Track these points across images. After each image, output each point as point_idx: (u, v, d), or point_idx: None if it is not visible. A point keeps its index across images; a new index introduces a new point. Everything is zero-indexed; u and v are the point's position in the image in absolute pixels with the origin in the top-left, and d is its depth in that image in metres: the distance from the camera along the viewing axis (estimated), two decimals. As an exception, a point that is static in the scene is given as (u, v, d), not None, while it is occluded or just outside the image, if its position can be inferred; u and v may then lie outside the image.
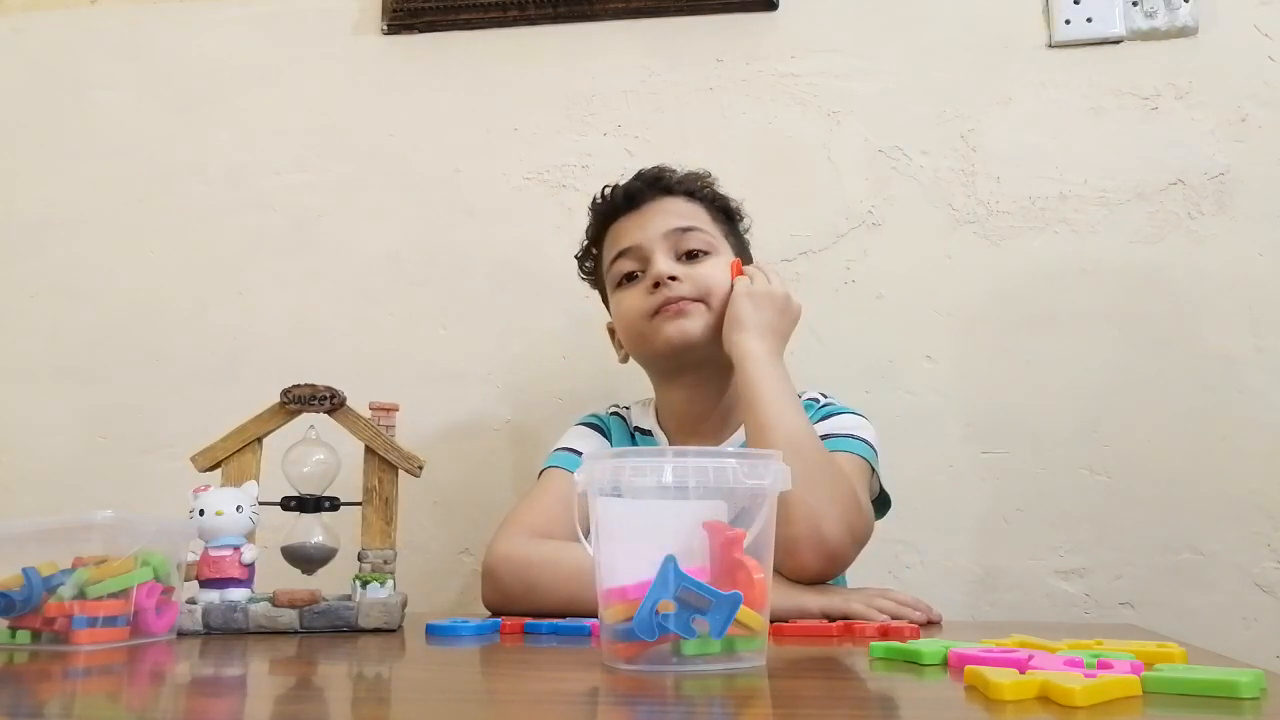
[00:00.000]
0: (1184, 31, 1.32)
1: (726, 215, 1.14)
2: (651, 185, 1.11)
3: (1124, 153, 1.32)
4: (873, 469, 1.04)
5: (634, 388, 1.21)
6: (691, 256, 1.07)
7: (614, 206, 1.12)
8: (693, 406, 1.11)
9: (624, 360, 1.16)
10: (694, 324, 1.04)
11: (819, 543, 0.89)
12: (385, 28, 1.48)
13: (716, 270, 1.06)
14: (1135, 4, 1.33)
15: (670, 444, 1.12)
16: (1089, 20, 1.34)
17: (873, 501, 1.03)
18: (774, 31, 1.41)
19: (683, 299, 1.04)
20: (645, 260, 1.07)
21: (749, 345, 1.00)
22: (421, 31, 1.47)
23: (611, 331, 1.17)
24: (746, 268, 1.07)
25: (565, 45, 1.44)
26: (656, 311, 1.05)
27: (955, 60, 1.37)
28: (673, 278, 1.04)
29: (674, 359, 1.07)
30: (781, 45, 1.41)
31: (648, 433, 1.14)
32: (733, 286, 1.04)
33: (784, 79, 1.40)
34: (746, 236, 1.17)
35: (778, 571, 0.92)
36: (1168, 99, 1.32)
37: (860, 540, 0.94)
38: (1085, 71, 1.34)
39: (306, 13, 1.51)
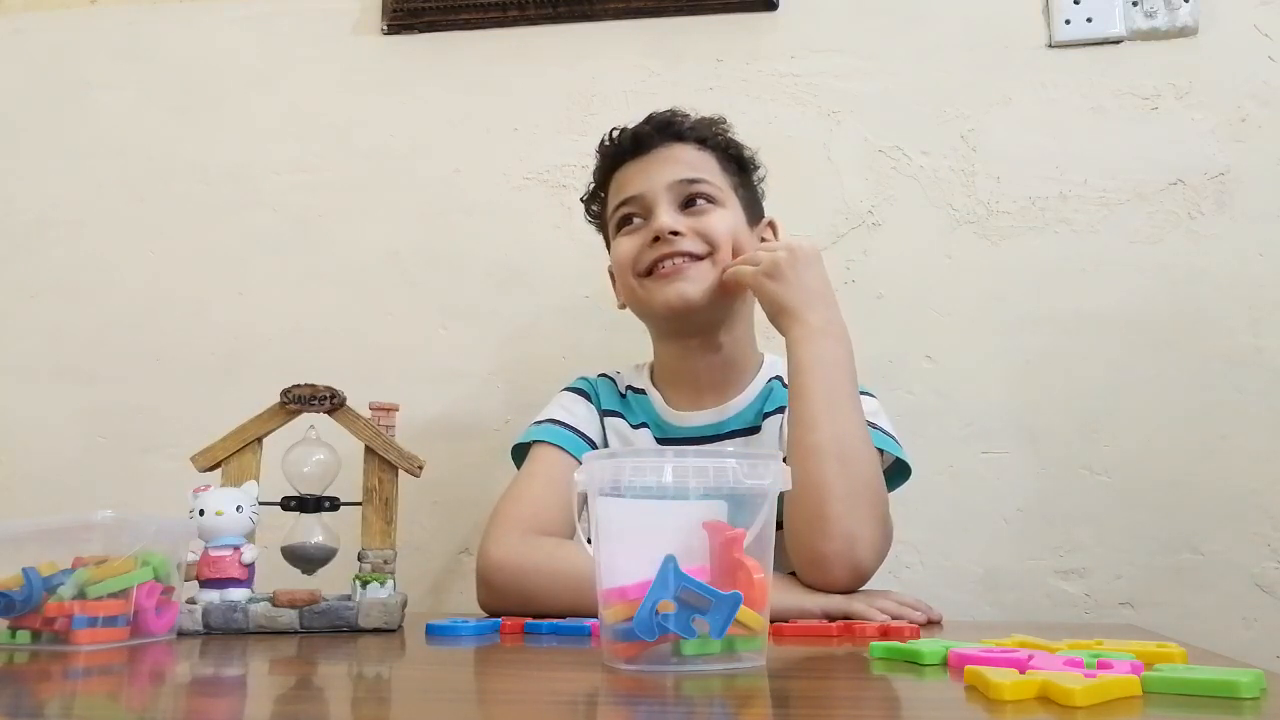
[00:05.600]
0: (1184, 31, 1.32)
1: (739, 165, 1.10)
2: (661, 131, 1.07)
3: (1124, 153, 1.32)
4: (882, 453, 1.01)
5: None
6: (697, 207, 1.04)
7: (621, 150, 1.09)
8: (691, 365, 1.08)
9: (622, 307, 1.12)
10: (693, 286, 1.01)
11: (852, 564, 0.88)
12: (385, 28, 1.47)
13: (723, 222, 1.03)
14: (1135, 4, 1.33)
15: (666, 403, 1.10)
16: (1089, 20, 1.34)
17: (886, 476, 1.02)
18: (774, 31, 1.41)
19: (683, 254, 1.01)
20: (648, 210, 1.04)
21: (797, 330, 0.95)
22: (421, 31, 1.47)
23: (613, 275, 1.13)
24: (751, 257, 1.01)
25: (565, 45, 1.44)
26: (652, 269, 1.03)
27: (955, 60, 1.37)
28: (675, 232, 1.01)
29: (674, 321, 1.05)
30: (781, 45, 1.41)
31: (641, 391, 1.12)
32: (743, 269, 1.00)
33: (784, 79, 1.40)
34: (761, 187, 1.14)
35: (796, 576, 0.92)
36: (1168, 99, 1.32)
37: (884, 556, 0.92)
38: (1085, 71, 1.34)
39: (306, 13, 1.51)
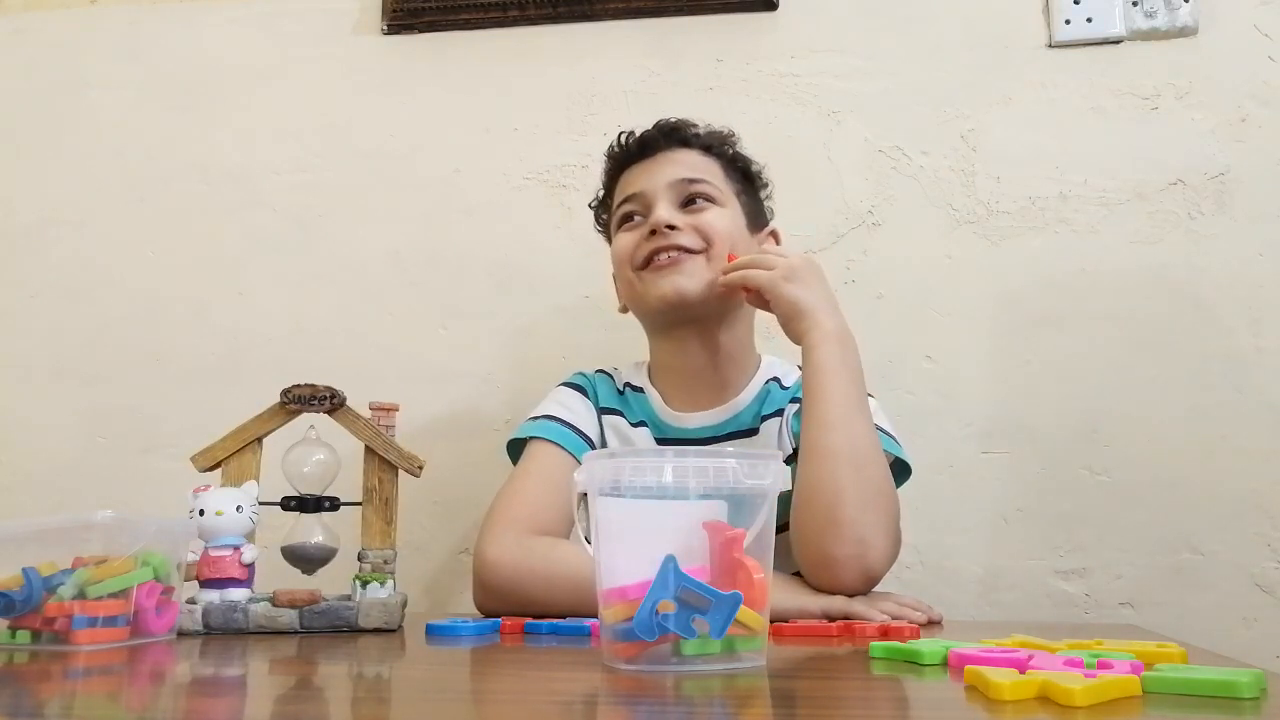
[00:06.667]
0: (1184, 31, 1.32)
1: (744, 175, 1.11)
2: (668, 135, 1.08)
3: (1124, 153, 1.32)
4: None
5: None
6: (696, 205, 1.04)
7: (627, 154, 1.10)
8: (687, 362, 1.07)
9: (623, 311, 1.13)
10: (688, 280, 1.01)
11: (863, 569, 0.88)
12: (385, 28, 1.47)
13: (721, 219, 1.03)
14: (1135, 4, 1.33)
15: (664, 401, 1.09)
16: (1089, 20, 1.34)
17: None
18: (774, 31, 1.41)
19: (679, 248, 1.02)
20: (648, 207, 1.05)
21: (816, 334, 0.94)
22: (421, 31, 1.47)
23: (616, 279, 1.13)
24: (760, 255, 1.01)
25: (565, 45, 1.44)
26: (649, 261, 1.03)
27: (955, 60, 1.37)
28: (671, 226, 1.02)
29: (668, 314, 1.05)
30: (781, 45, 1.41)
31: (639, 389, 1.11)
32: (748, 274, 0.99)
33: (784, 79, 1.40)
34: (769, 205, 1.14)
35: (797, 576, 0.92)
36: (1168, 99, 1.32)
37: (894, 562, 0.92)
38: (1085, 71, 1.34)
39: (306, 13, 1.51)
